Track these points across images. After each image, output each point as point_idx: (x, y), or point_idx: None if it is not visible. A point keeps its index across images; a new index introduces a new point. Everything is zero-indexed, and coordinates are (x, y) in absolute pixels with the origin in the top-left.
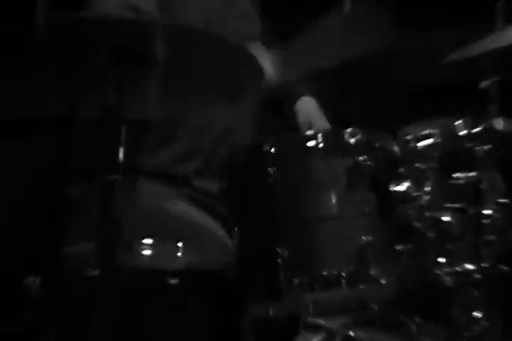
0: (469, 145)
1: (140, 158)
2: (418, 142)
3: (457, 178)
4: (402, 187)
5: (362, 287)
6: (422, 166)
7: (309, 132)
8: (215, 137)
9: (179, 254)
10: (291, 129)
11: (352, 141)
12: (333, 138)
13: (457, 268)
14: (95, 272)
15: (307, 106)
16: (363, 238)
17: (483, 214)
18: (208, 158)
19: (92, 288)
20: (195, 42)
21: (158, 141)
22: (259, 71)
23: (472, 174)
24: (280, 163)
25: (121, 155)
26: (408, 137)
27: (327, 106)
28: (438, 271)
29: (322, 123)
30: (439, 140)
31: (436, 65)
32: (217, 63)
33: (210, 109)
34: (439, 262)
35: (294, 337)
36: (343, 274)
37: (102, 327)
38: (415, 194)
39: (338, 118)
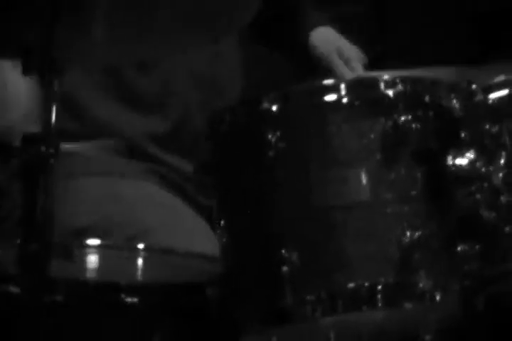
0: None
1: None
2: (488, 94)
3: None
4: (465, 159)
5: (407, 306)
6: (494, 129)
7: (328, 81)
8: (187, 92)
9: (140, 262)
10: (304, 78)
11: (390, 93)
12: (363, 89)
13: None
14: (16, 289)
15: (329, 35)
16: (408, 234)
17: None
18: (179, 123)
19: (12, 314)
20: None
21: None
22: None
23: None
24: (285, 127)
25: (53, 117)
26: (473, 86)
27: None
28: None
29: (356, 51)
30: None
31: None
32: None
33: (181, 53)
34: None
35: None
36: (379, 287)
37: None
38: (484, 170)
39: (369, 59)
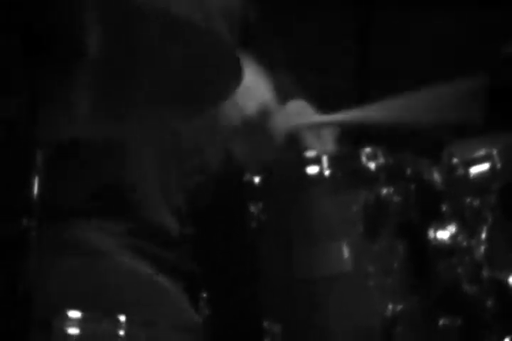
0: None
1: (64, 196)
2: (469, 168)
3: None
4: (446, 233)
5: None
6: (476, 203)
7: (310, 154)
8: (169, 165)
9: (121, 333)
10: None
11: (372, 165)
12: (345, 161)
13: None
14: None
15: (296, 113)
16: (390, 307)
17: None
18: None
19: None
20: (144, 25)
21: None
22: (238, 67)
23: None
24: (268, 199)
25: (35, 191)
26: (455, 160)
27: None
28: None
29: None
30: (500, 165)
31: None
32: (180, 56)
33: (166, 125)
34: None
35: None
36: None
37: None
38: (465, 243)
39: (350, 132)
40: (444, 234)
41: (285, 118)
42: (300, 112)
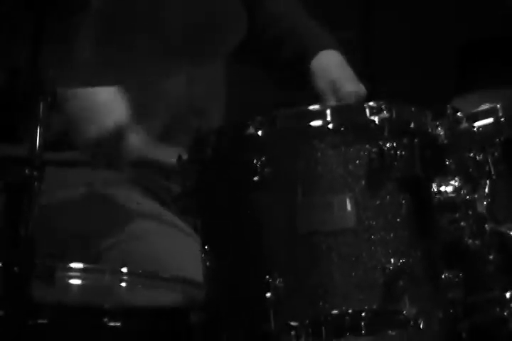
0: None
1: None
2: (473, 122)
3: None
4: (450, 187)
5: (391, 333)
6: (479, 157)
7: (314, 107)
8: (172, 116)
9: (123, 285)
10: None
11: (376, 119)
12: (348, 115)
13: None
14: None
15: (329, 63)
16: (392, 261)
17: None
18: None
19: None
20: None
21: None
22: (239, 20)
23: None
24: (271, 152)
25: (38, 140)
26: (458, 114)
27: None
28: (505, 312)
29: (353, 85)
30: (504, 119)
31: (499, 11)
32: (181, 8)
33: (169, 75)
34: (505, 298)
35: None
36: (363, 314)
37: None
38: (469, 197)
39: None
40: (447, 188)
41: (319, 68)
42: (333, 62)
